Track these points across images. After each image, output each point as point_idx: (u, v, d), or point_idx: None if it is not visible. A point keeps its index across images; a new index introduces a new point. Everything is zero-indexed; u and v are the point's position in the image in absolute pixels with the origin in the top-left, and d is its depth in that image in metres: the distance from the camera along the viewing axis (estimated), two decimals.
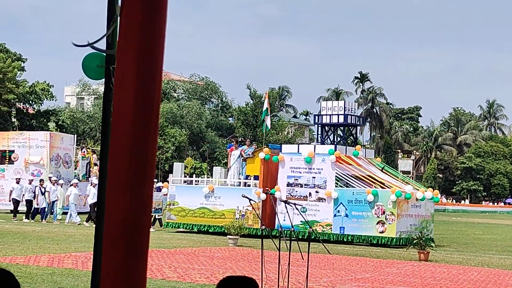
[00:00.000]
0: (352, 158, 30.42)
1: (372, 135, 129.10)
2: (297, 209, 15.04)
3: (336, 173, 29.69)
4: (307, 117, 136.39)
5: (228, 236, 26.63)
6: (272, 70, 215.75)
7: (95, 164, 41.77)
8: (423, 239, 24.10)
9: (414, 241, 24.26)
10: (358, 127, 37.69)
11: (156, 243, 25.52)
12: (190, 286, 14.83)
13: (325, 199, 29.65)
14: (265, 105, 34.27)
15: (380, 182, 29.48)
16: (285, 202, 16.42)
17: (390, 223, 28.15)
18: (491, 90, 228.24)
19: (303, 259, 15.43)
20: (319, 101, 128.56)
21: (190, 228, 31.78)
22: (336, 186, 29.60)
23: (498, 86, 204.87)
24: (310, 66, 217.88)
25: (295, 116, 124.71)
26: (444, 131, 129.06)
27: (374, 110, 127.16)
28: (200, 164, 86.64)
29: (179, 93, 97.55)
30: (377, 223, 28.40)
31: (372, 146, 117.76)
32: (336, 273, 18.37)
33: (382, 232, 28.28)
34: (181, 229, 32.12)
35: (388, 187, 28.96)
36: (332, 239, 28.97)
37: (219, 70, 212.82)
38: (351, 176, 29.93)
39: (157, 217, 33.44)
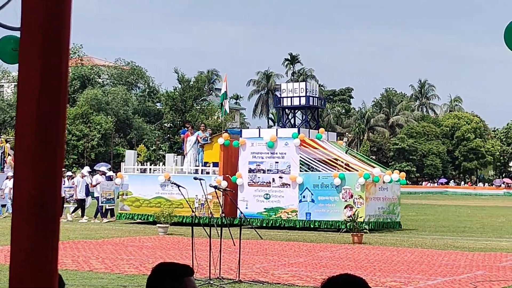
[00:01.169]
0: (316, 141, 29.98)
1: (303, 117, 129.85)
2: (227, 194, 15.05)
3: (300, 157, 29.30)
4: (237, 101, 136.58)
5: (157, 225, 26.52)
6: (201, 53, 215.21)
7: (9, 154, 41.04)
8: (356, 221, 24.35)
9: (348, 224, 24.47)
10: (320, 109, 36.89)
11: (83, 234, 25.29)
12: (118, 277, 14.74)
13: (289, 185, 29.27)
14: (223, 89, 33.35)
15: (346, 165, 29.20)
16: (215, 187, 16.44)
17: (358, 207, 27.71)
18: (422, 70, 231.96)
19: (234, 245, 15.50)
20: (249, 85, 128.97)
21: (146, 219, 31.07)
22: (300, 171, 29.21)
23: (429, 66, 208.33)
24: (239, 49, 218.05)
25: None
26: (376, 112, 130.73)
27: None
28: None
29: (103, 78, 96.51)
30: (345, 207, 27.98)
31: None
32: (269, 259, 18.48)
33: (350, 216, 27.67)
34: (136, 220, 31.55)
35: (355, 170, 28.68)
36: (298, 226, 28.75)
37: (145, 54, 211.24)
38: (316, 160, 29.46)
39: (108, 207, 32.74)
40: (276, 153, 29.74)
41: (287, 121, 32.91)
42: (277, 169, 29.62)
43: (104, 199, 32.31)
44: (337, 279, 3.26)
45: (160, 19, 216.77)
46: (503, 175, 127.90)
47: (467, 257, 19.67)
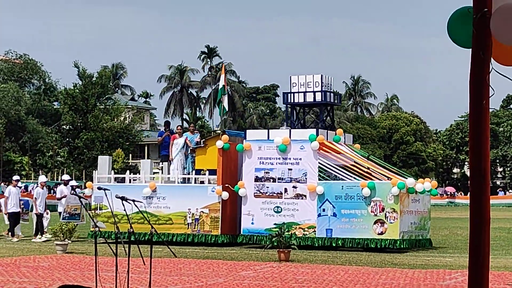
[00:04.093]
0: (336, 145, 28.82)
1: (223, 118, 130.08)
2: (135, 206, 14.92)
3: (319, 163, 28.10)
4: (147, 99, 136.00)
5: (55, 242, 26.22)
6: (104, 45, 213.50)
7: None
8: (283, 236, 24.34)
9: (274, 239, 24.47)
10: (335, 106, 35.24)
11: None
12: None
13: (305, 196, 28.01)
14: (222, 82, 31.70)
15: (368, 173, 27.88)
16: (123, 199, 16.25)
17: (391, 222, 26.66)
18: (356, 65, 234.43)
19: (144, 264, 15.40)
20: (160, 81, 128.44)
21: (126, 238, 29.62)
22: (319, 179, 27.98)
23: (364, 61, 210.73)
24: (148, 40, 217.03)
25: (132, 99, 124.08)
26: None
27: None
28: (20, 158, 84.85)
29: None
30: (375, 222, 26.91)
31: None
32: (184, 280, 18.45)
33: (381, 233, 26.78)
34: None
35: (386, 178, 27.47)
36: (317, 245, 27.57)
37: (40, 46, 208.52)
38: (338, 166, 28.14)
39: (75, 224, 30.53)
40: (290, 159, 28.47)
41: (297, 121, 31.94)
42: (290, 178, 28.41)
43: (67, 215, 30.60)
44: None
45: (58, 5, 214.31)
46: (446, 183, 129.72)
47: (407, 275, 19.93)
